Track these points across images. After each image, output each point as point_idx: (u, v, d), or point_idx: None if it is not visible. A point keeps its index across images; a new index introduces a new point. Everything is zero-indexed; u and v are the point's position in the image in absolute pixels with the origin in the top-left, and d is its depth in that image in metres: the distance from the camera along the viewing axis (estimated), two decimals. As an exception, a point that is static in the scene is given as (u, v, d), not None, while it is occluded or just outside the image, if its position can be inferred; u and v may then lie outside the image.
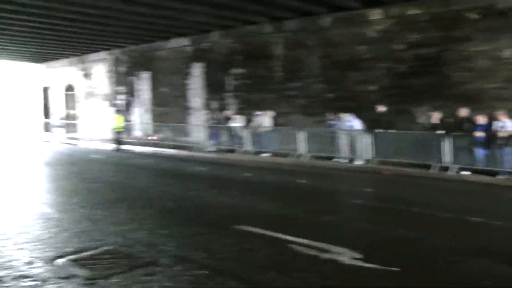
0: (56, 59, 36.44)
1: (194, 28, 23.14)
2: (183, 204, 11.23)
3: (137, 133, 28.71)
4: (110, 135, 28.36)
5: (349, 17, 18.99)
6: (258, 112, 20.79)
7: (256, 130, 20.76)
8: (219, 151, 22.48)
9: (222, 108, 23.52)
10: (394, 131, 16.83)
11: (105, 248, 7.59)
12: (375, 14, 18.31)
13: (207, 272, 6.44)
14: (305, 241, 7.66)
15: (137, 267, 6.67)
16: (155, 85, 27.72)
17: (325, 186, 14.32)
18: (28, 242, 7.99)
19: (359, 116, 17.85)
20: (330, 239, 7.72)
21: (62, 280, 6.23)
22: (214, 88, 24.12)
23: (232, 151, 21.84)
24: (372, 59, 18.51)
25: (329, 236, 8.05)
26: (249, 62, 22.38)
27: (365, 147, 17.32)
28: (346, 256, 6.95)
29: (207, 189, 13.32)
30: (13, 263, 6.98)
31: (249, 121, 21.49)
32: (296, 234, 8.00)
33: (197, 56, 24.97)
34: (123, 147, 25.49)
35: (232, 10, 19.26)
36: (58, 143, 32.20)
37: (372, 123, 17.36)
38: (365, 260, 6.77)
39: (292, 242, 7.67)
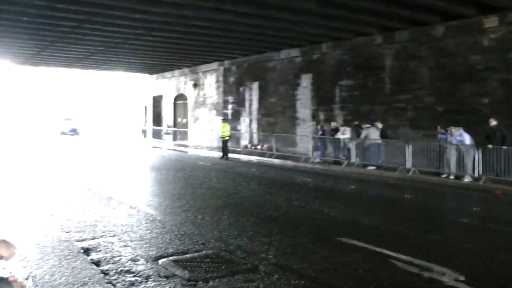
0: (168, 70, 37.78)
1: (305, 39, 23.19)
2: (286, 213, 11.18)
3: (244, 142, 29.06)
4: (217, 143, 28.92)
5: (463, 25, 18.14)
6: (367, 125, 20.33)
7: (363, 142, 20.36)
8: (324, 162, 22.27)
9: (329, 120, 23.28)
10: (506, 147, 15.81)
11: (206, 252, 7.67)
12: (491, 21, 17.34)
13: (306, 282, 6.34)
14: (406, 257, 7.38)
15: (236, 272, 6.69)
16: (264, 95, 27.96)
17: (431, 202, 13.78)
18: (133, 241, 8.27)
19: (470, 130, 16.97)
20: (432, 258, 7.40)
21: (163, 279, 6.38)
22: (322, 99, 23.97)
23: (337, 162, 21.57)
24: (486, 70, 17.55)
25: (431, 254, 7.71)
26: (358, 73, 22.05)
27: (475, 163, 16.48)
28: (448, 277, 6.61)
29: (311, 200, 13.20)
30: (118, 258, 7.25)
31: (356, 133, 21.10)
32: (397, 250, 7.75)
33: (306, 67, 24.94)
34: (230, 155, 25.85)
35: (344, 21, 19.09)
36: (167, 149, 33.25)
37: (483, 138, 16.48)
38: (467, 283, 6.39)
39: (393, 257, 7.42)
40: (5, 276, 2.46)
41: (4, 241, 3.29)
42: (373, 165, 20.02)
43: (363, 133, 20.32)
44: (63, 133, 52.68)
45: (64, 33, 21.58)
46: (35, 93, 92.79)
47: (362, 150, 20.55)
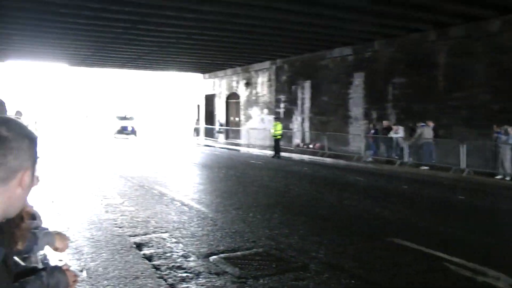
0: (221, 69, 38.04)
1: (357, 37, 22.91)
2: (337, 212, 11.11)
3: (296, 141, 29.00)
4: (269, 142, 28.95)
5: (521, 19, 17.49)
6: (421, 123, 19.87)
7: (416, 141, 19.98)
8: (377, 161, 21.99)
9: (381, 118, 22.92)
10: None
11: (257, 249, 7.68)
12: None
13: (356, 282, 6.27)
14: (460, 260, 7.20)
15: (287, 271, 6.68)
16: (316, 94, 27.81)
17: (485, 204, 13.40)
18: (184, 237, 8.37)
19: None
20: (487, 262, 7.18)
21: (214, 276, 6.43)
22: (374, 98, 23.64)
23: (390, 162, 21.26)
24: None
25: (486, 258, 7.49)
26: (411, 71, 21.61)
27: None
28: (503, 282, 6.41)
29: (362, 199, 13.07)
30: (170, 254, 7.35)
31: (409, 131, 20.72)
32: (450, 252, 7.56)
33: (358, 65, 24.66)
34: (282, 154, 25.83)
35: (396, 18, 18.73)
36: (219, 148, 33.50)
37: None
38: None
39: (446, 260, 7.25)
40: (59, 265, 2.52)
41: (59, 233, 3.38)
42: (426, 165, 19.62)
43: (418, 132, 19.91)
44: (120, 131, 48.28)
45: (118, 34, 21.99)
46: (91, 93, 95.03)
47: (415, 149, 20.16)
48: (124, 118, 50.48)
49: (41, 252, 6.96)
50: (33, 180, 1.65)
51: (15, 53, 31.53)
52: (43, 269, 2.40)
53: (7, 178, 1.55)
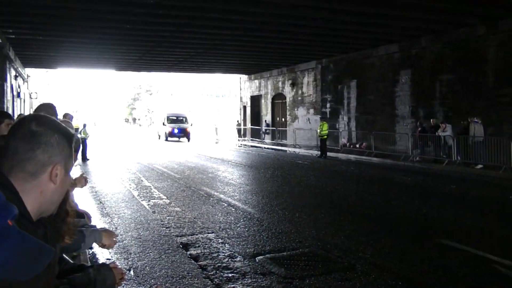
0: (266, 69, 38.10)
1: (403, 34, 22.56)
2: (384, 212, 10.98)
3: (342, 140, 28.81)
4: (315, 142, 28.85)
5: None
6: (475, 119, 19.34)
7: (466, 139, 19.53)
8: (424, 160, 21.60)
9: (429, 116, 22.50)
10: None
11: (303, 250, 7.67)
12: None
13: (403, 283, 6.19)
14: (510, 263, 7.01)
15: (333, 271, 6.65)
16: (362, 93, 27.56)
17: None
18: (231, 238, 8.42)
19: None
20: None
21: (260, 276, 6.45)
22: (421, 95, 23.24)
23: (438, 161, 20.87)
24: None
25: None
26: (459, 67, 21.12)
27: None
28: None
29: (409, 199, 12.89)
30: (216, 255, 7.41)
31: (458, 129, 20.27)
32: (501, 255, 7.36)
33: (405, 62, 24.29)
34: (328, 154, 25.70)
35: (444, 13, 18.30)
36: (265, 148, 33.55)
37: None
38: None
39: (496, 262, 7.06)
40: (107, 262, 2.57)
41: (106, 230, 3.45)
42: (476, 164, 19.17)
43: (471, 129, 19.34)
44: (171, 134, 44.34)
45: (164, 37, 22.29)
46: (139, 96, 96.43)
47: (464, 147, 19.70)
48: (176, 121, 46.40)
49: (90, 251, 7.13)
50: (67, 175, 1.70)
51: (65, 60, 32.45)
52: (90, 266, 2.45)
53: (37, 172, 1.59)
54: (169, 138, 44.41)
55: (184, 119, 47.00)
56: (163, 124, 46.52)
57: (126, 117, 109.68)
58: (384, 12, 17.75)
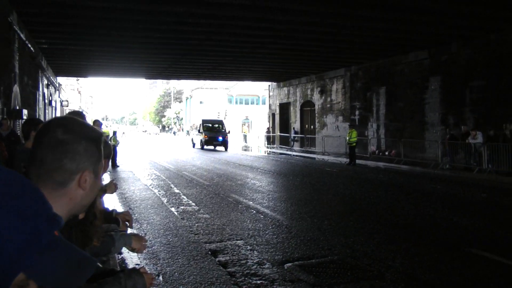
0: (295, 77, 38.11)
1: (433, 40, 22.36)
2: (413, 221, 10.88)
3: (371, 148, 28.64)
4: (344, 150, 28.72)
5: None
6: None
7: (498, 147, 19.20)
8: (454, 168, 21.31)
9: (459, 123, 22.21)
10: None
11: (332, 257, 7.64)
12: None
13: (433, 293, 6.12)
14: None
15: (362, 279, 6.62)
16: (391, 100, 27.38)
17: None
18: (259, 245, 8.43)
19: None
20: None
21: (288, 283, 6.46)
22: (451, 102, 22.97)
23: (468, 169, 20.56)
24: None
25: None
26: (491, 73, 20.80)
27: None
28: None
29: (439, 207, 12.72)
30: (245, 261, 7.42)
31: (489, 137, 19.94)
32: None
33: (434, 69, 24.06)
34: (357, 161, 25.56)
35: (475, 18, 18.06)
36: (294, 155, 33.49)
37: None
38: None
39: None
40: (137, 267, 2.62)
41: (135, 235, 3.50)
42: (508, 172, 18.80)
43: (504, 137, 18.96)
44: (208, 141, 41.01)
45: (194, 46, 22.48)
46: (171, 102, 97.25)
47: (495, 155, 19.33)
48: (213, 128, 43.19)
49: (119, 257, 7.21)
50: (97, 179, 1.68)
51: (96, 69, 32.98)
52: (121, 271, 2.49)
53: (65, 181, 1.58)
54: (205, 147, 41.66)
55: (221, 126, 44.15)
56: (199, 131, 43.80)
57: (157, 124, 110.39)
58: (414, 18, 17.63)
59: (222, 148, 41.12)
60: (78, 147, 1.59)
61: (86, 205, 1.71)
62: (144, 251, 3.68)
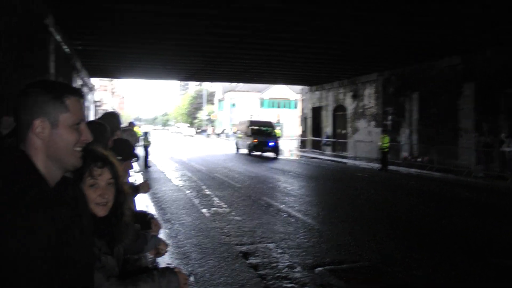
0: (327, 81, 37.98)
1: (467, 45, 22.00)
2: (444, 229, 10.78)
3: (404, 154, 28.39)
4: (376, 155, 28.54)
5: None
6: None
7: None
8: (488, 177, 20.95)
9: (494, 131, 21.83)
10: None
11: (363, 263, 7.64)
12: None
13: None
14: None
15: (392, 286, 6.58)
16: (424, 105, 27.09)
17: None
18: (290, 248, 8.47)
19: None
20: None
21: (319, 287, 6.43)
22: (486, 109, 22.57)
23: (502, 177, 20.20)
24: None
25: None
26: (527, 80, 20.38)
27: None
28: None
29: (471, 216, 12.56)
30: (275, 265, 7.47)
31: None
32: None
33: (468, 74, 23.68)
34: (389, 167, 25.38)
35: (510, 23, 17.74)
36: (326, 160, 33.37)
37: None
38: None
39: None
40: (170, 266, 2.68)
41: (161, 239, 3.61)
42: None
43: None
44: (257, 147, 36.15)
45: (227, 48, 22.57)
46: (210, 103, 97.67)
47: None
48: (261, 132, 37.71)
49: (150, 256, 7.31)
50: (59, 129, 1.78)
51: (129, 70, 33.41)
52: (155, 268, 2.55)
53: (24, 133, 1.76)
54: (253, 152, 36.75)
55: (271, 129, 38.85)
56: (246, 135, 38.08)
57: (192, 126, 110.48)
58: (448, 22, 17.40)
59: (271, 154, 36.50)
60: (37, 97, 1.74)
61: (59, 154, 1.79)
62: (175, 251, 3.77)
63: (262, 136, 36.60)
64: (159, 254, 3.54)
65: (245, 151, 38.00)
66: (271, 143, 35.82)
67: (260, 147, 36.02)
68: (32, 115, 1.73)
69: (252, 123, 39.65)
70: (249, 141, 36.80)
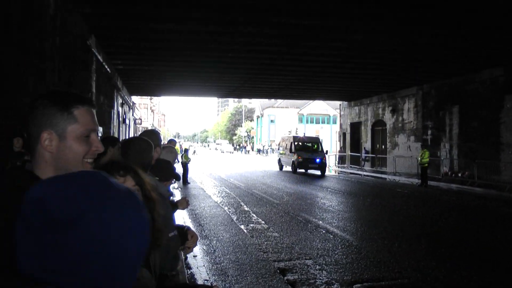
0: (366, 96, 37.77)
1: (509, 56, 21.56)
2: (487, 247, 10.53)
3: (444, 169, 27.96)
4: (416, 170, 28.18)
5: None
6: None
7: None
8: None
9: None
10: None
11: (403, 280, 7.55)
12: None
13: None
14: None
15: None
16: (464, 119, 26.66)
17: None
18: (328, 265, 8.41)
19: None
20: None
21: (357, 305, 6.38)
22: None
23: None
24: None
25: None
26: None
27: None
28: None
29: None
30: (313, 281, 7.43)
31: None
32: None
33: (510, 87, 23.19)
34: (429, 182, 25.03)
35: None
36: (365, 175, 33.08)
37: None
38: None
39: None
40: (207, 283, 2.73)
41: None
42: None
43: None
44: (303, 164, 33.57)
45: (266, 65, 22.68)
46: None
47: None
48: (307, 148, 35.78)
49: (189, 271, 7.36)
50: (67, 141, 1.79)
51: (169, 88, 33.89)
52: (194, 285, 2.59)
53: (35, 144, 1.78)
54: (298, 170, 34.47)
55: (318, 145, 36.76)
56: (290, 151, 35.77)
57: (230, 142, 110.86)
58: (488, 34, 17.13)
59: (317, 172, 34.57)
60: (44, 110, 1.75)
61: (68, 166, 1.78)
62: (212, 267, 3.81)
63: (307, 153, 34.50)
64: (188, 249, 3.57)
65: (289, 168, 36.03)
66: (317, 160, 33.60)
67: (305, 164, 33.67)
68: (39, 127, 1.75)
69: (296, 139, 37.23)
70: (293, 158, 34.69)
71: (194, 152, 64.88)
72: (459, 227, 12.91)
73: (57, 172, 1.74)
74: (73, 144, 1.79)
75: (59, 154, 1.77)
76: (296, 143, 35.91)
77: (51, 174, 1.70)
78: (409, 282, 7.47)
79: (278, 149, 39.34)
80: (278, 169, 38.44)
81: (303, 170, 34.85)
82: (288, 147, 36.74)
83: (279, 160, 39.64)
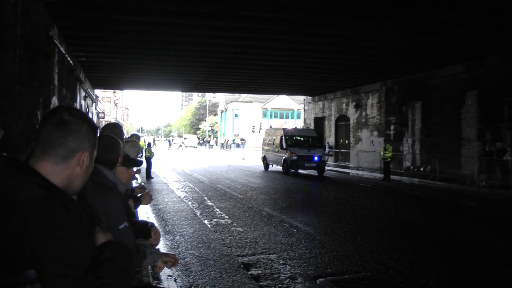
0: (330, 91, 37.99)
1: (470, 53, 21.88)
2: (448, 239, 10.70)
3: (406, 163, 28.33)
4: (379, 165, 28.46)
5: None
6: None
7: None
8: (491, 186, 20.87)
9: (497, 140, 21.72)
10: None
11: (365, 274, 7.59)
12: None
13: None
14: None
15: (394, 297, 6.52)
16: (427, 114, 27.04)
17: None
18: (292, 259, 8.42)
19: None
20: None
21: (320, 299, 6.39)
22: (488, 118, 22.47)
23: (505, 187, 20.11)
24: None
25: None
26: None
27: None
28: None
29: (475, 226, 12.44)
30: (277, 276, 7.42)
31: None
32: None
33: (471, 83, 23.61)
34: (392, 177, 25.31)
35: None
36: (328, 170, 33.27)
37: None
38: None
39: None
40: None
41: (165, 254, 3.59)
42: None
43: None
44: (299, 162, 27.91)
45: (230, 59, 22.58)
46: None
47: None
48: (303, 143, 30.31)
49: (151, 268, 7.27)
50: (91, 163, 1.99)
51: (132, 82, 33.50)
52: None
53: (67, 157, 1.86)
54: (291, 170, 29.18)
55: (314, 140, 31.06)
56: (282, 147, 29.77)
57: (199, 137, 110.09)
58: (451, 31, 17.34)
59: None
60: (81, 128, 1.90)
61: (79, 186, 1.96)
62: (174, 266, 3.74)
63: (302, 149, 28.99)
64: (159, 269, 3.51)
65: (278, 167, 31.53)
66: (316, 157, 28.44)
67: (301, 163, 28.48)
68: (81, 145, 1.90)
69: (288, 132, 30.97)
70: (285, 155, 29.25)
71: (154, 141, 65.14)
72: (421, 221, 13.07)
73: (66, 188, 1.89)
74: (91, 167, 2.03)
75: (85, 173, 1.97)
76: (287, 137, 30.17)
77: (58, 182, 1.86)
78: (372, 275, 7.51)
79: (265, 145, 33.76)
80: (263, 169, 33.04)
81: (300, 170, 30.28)
82: (277, 142, 31.11)
83: (264, 158, 33.89)
